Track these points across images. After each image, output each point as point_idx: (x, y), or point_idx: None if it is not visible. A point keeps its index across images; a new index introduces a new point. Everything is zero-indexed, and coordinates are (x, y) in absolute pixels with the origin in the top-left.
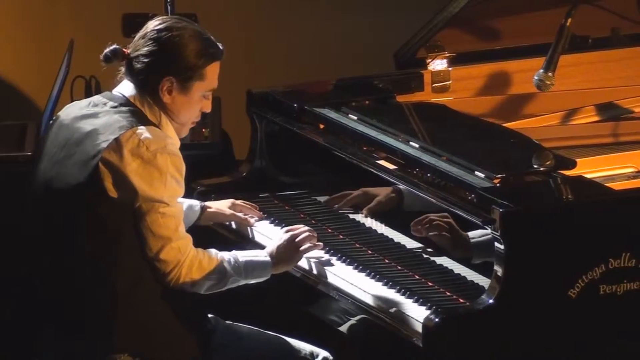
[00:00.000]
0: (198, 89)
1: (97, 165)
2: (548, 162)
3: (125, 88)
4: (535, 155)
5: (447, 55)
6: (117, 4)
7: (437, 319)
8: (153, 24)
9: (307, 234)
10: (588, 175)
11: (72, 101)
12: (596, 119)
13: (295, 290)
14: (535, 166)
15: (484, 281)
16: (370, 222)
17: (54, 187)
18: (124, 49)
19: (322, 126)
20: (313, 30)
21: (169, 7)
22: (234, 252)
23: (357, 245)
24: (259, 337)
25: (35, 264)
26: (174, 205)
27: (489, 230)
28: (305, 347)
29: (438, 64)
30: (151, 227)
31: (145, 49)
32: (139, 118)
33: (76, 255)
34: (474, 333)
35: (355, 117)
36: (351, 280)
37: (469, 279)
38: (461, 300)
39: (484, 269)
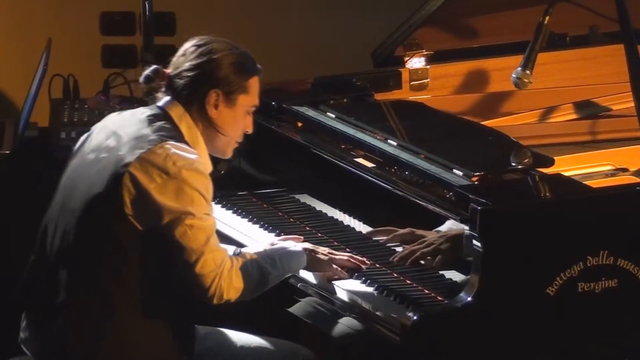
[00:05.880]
0: (243, 103)
1: (122, 180)
2: (526, 160)
3: (167, 103)
4: (513, 153)
5: (425, 53)
6: (95, 3)
7: (415, 317)
8: (191, 42)
9: (346, 258)
10: (566, 173)
11: (50, 99)
12: (574, 116)
13: (273, 288)
14: (513, 164)
15: (462, 279)
16: (348, 220)
17: (76, 188)
18: (164, 69)
19: (300, 124)
20: (291, 28)
21: (147, 5)
22: (265, 250)
23: (336, 244)
24: (238, 339)
25: (35, 258)
26: (203, 218)
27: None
28: (285, 346)
29: (416, 62)
30: (181, 241)
31: (188, 64)
32: (172, 133)
33: (78, 260)
34: (452, 331)
35: (333, 115)
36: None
37: (447, 277)
38: (439, 298)
39: (463, 267)
